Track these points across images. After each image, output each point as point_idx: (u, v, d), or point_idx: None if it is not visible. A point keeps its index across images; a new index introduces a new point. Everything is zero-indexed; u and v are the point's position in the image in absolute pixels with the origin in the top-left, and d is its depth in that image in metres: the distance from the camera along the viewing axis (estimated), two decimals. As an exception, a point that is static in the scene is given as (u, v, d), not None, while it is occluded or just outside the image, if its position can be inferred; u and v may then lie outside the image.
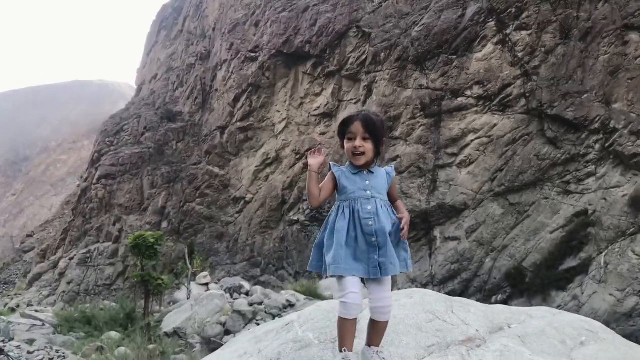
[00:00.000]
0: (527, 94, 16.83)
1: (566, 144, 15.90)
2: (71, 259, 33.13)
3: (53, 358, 10.45)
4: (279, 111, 26.57)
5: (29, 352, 10.91)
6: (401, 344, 2.33)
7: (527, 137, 16.76)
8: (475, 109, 18.03)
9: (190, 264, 20.04)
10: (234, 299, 14.08)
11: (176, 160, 31.82)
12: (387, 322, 2.35)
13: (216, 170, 29.21)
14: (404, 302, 2.87)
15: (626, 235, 14.43)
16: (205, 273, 20.72)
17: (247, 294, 15.33)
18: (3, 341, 12.78)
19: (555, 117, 16.09)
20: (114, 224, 31.79)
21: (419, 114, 19.35)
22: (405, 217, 2.37)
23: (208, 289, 18.72)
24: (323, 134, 23.87)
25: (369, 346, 2.35)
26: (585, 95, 15.66)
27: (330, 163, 2.61)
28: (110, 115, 44.64)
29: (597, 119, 15.32)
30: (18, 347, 11.76)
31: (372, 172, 2.52)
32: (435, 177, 18.53)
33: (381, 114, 20.70)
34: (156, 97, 39.87)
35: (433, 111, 19.01)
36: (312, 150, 2.51)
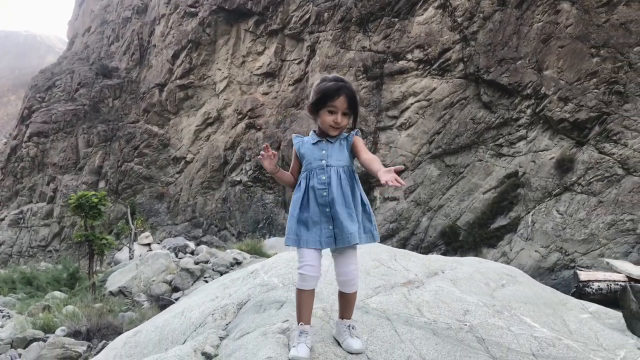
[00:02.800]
0: (465, 59, 17.48)
1: (500, 109, 16.74)
2: (2, 219, 31.90)
3: (-4, 318, 10.35)
4: (220, 69, 26.18)
5: (-30, 313, 10.74)
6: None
7: (464, 101, 17.49)
8: (415, 72, 18.54)
9: (132, 224, 19.86)
10: (179, 258, 14.22)
11: (113, 118, 30.86)
12: (354, 294, 2.31)
13: (155, 129, 28.61)
14: (363, 249, 3.23)
15: (552, 195, 15.56)
16: (147, 233, 20.62)
17: (192, 253, 15.50)
18: (-62, 303, 12.44)
19: (491, 82, 16.85)
20: (48, 184, 30.74)
21: (361, 76, 19.68)
22: (381, 170, 2.13)
23: (150, 249, 18.71)
24: (265, 94, 23.83)
25: (341, 319, 2.32)
26: (520, 62, 16.45)
27: (293, 135, 2.65)
28: (40, 69, 42.32)
29: (529, 85, 16.18)
30: (-45, 308, 11.51)
31: (331, 142, 2.44)
32: (376, 139, 19.06)
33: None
34: (90, 52, 38.11)
35: (375, 74, 19.39)
36: (261, 153, 2.45)
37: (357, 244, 2.33)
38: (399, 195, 18.39)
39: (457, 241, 16.91)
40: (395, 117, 18.77)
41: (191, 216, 25.67)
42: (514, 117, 16.50)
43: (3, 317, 10.36)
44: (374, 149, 18.87)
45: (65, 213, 27.36)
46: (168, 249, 15.62)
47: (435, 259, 3.65)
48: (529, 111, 16.27)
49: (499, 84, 16.63)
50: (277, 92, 23.23)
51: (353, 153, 2.44)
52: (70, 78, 34.49)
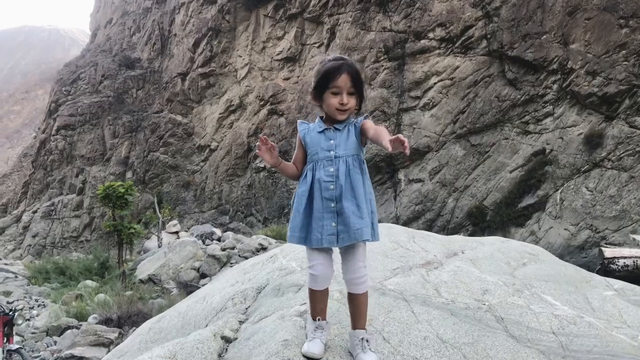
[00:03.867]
0: (488, 36, 17.15)
1: (525, 85, 16.42)
2: (34, 212, 32.74)
3: (33, 307, 10.72)
4: (240, 56, 26.20)
5: (8, 302, 11.12)
6: (371, 267, 2.67)
7: (488, 78, 17.20)
8: (437, 51, 18.28)
9: (160, 212, 20.19)
10: (207, 245, 14.44)
11: (137, 109, 31.24)
12: (365, 295, 2.11)
13: (179, 118, 28.88)
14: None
15: (580, 172, 15.26)
16: (174, 221, 20.97)
17: (219, 239, 15.71)
18: (-23, 294, 12.91)
19: (515, 58, 16.51)
20: (77, 176, 31.37)
21: (382, 57, 19.49)
22: (390, 140, 1.88)
23: (178, 237, 19.03)
24: (287, 79, 23.81)
25: (354, 329, 2.09)
26: (545, 36, 16.07)
27: (298, 121, 2.41)
28: (64, 63, 43.01)
29: (555, 60, 15.81)
30: (-5, 298, 11.94)
31: (339, 129, 2.21)
32: (399, 120, 18.91)
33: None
34: (112, 43, 38.52)
35: (396, 54, 19.17)
36: (257, 145, 2.22)
37: (368, 240, 2.15)
38: (424, 177, 18.26)
39: (484, 221, 16.75)
40: (419, 98, 18.57)
41: (217, 203, 25.95)
42: (540, 93, 16.18)
43: (39, 306, 10.71)
44: (397, 130, 18.72)
45: (95, 204, 27.94)
46: (195, 237, 15.87)
47: (455, 239, 3.62)
48: (555, 87, 15.92)
49: (524, 60, 16.29)
50: (298, 76, 23.18)
51: (362, 137, 2.21)
52: (94, 70, 34.97)
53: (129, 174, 29.27)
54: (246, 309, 2.58)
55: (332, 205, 2.14)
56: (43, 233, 31.38)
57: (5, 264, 18.33)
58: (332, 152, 2.20)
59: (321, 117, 2.30)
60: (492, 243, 3.59)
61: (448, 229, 17.21)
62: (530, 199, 16.15)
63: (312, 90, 2.25)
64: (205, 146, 27.36)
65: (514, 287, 2.72)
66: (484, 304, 2.48)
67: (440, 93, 18.04)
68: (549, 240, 15.11)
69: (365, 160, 2.27)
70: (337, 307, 2.28)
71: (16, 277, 14.66)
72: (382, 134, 2.01)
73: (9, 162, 75.65)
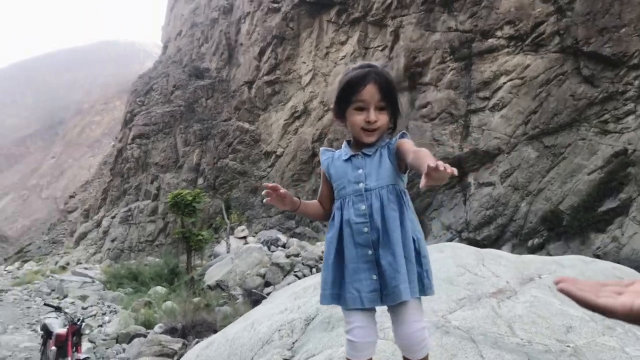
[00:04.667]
0: (561, 31, 16.19)
1: (603, 82, 15.36)
2: (113, 217, 34.30)
3: (105, 313, 11.08)
4: (304, 62, 26.29)
5: (83, 308, 11.58)
6: (433, 297, 2.40)
7: (561, 76, 16.24)
8: (506, 49, 17.49)
9: (228, 218, 20.53)
10: (272, 252, 14.45)
11: (207, 117, 32.08)
12: (426, 359, 1.75)
13: (246, 125, 29.37)
14: (436, 256, 2.91)
15: (667, 173, 14.09)
16: (242, 227, 21.25)
17: (283, 246, 15.71)
18: (58, 298, 13.57)
19: (592, 54, 15.49)
20: (152, 182, 32.59)
21: (448, 58, 18.89)
22: (429, 164, 1.39)
23: (246, 242, 19.24)
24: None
25: None
26: (623, 30, 14.96)
27: (320, 150, 1.98)
28: (138, 75, 44.97)
29: (635, 54, 14.69)
30: (72, 303, 12.48)
31: (368, 155, 1.79)
32: (467, 122, 18.24)
33: (408, 60, 20.25)
34: (182, 55, 39.83)
35: (463, 54, 18.52)
36: (266, 193, 1.81)
37: (407, 300, 1.69)
38: (494, 180, 17.49)
39: (560, 226, 15.78)
40: (487, 99, 17.83)
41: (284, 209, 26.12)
42: (619, 90, 15.05)
43: (110, 312, 11.04)
44: (465, 132, 18.07)
45: (168, 209, 28.90)
46: (261, 243, 15.95)
47: (530, 261, 3.22)
48: (636, 83, 14.78)
49: (601, 55, 15.22)
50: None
51: (399, 162, 1.75)
52: (166, 81, 36.28)
53: (200, 181, 30.07)
54: (293, 343, 2.37)
55: (369, 252, 1.70)
56: (121, 237, 32.78)
57: (85, 268, 19.24)
58: (361, 185, 1.77)
59: (348, 142, 1.88)
60: (574, 265, 3.18)
61: (521, 234, 16.39)
62: (612, 202, 15.03)
63: (333, 106, 1.84)
64: (271, 152, 27.65)
65: (604, 323, 2.34)
66: (568, 346, 2.12)
67: (510, 93, 17.22)
68: (634, 246, 13.99)
69: (406, 191, 1.81)
70: (392, 350, 2.02)
71: (93, 281, 15.29)
72: (422, 158, 1.53)
73: (91, 170, 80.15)
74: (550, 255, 14.98)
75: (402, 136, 1.80)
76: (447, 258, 2.94)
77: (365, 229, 1.73)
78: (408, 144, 1.73)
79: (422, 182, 1.39)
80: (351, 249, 1.74)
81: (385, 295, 1.70)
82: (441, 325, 2.22)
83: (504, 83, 17.41)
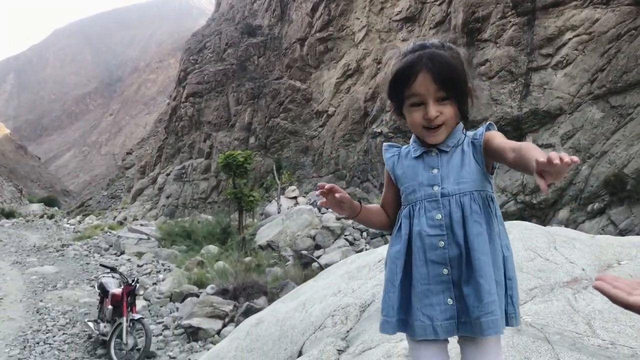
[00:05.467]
0: (638, -18, 14.95)
1: (682, 37, 14.17)
2: (168, 174, 35.21)
3: (160, 271, 11.41)
4: (358, 18, 25.56)
5: (138, 265, 11.96)
6: (500, 286, 2.19)
7: (634, 31, 15.08)
8: (574, 3, 16.34)
9: (279, 178, 20.61)
10: (322, 214, 14.42)
11: (259, 76, 32.00)
12: None
13: (298, 84, 29.12)
14: None
15: None
16: (293, 187, 21.31)
17: (334, 207, 15.63)
18: (116, 254, 14.08)
19: (671, 6, 14.26)
20: (205, 141, 33.09)
21: (510, 13, 17.86)
22: (538, 159, 1.12)
23: (297, 203, 19.33)
24: (405, 40, 22.82)
25: None
26: None
27: (384, 146, 1.65)
28: (192, 32, 45.16)
29: None
30: (129, 260, 12.92)
31: (445, 151, 1.47)
32: (528, 80, 17.35)
33: (467, 15, 19.30)
34: (235, 12, 39.59)
35: (526, 8, 17.45)
36: (317, 195, 1.54)
37: (498, 334, 1.38)
38: (555, 142, 16.68)
39: (623, 191, 14.94)
40: (550, 56, 16.83)
41: (334, 168, 26.01)
42: (701, 46, 13.85)
43: (164, 270, 11.34)
44: (525, 91, 17.23)
45: (219, 169, 29.38)
46: (311, 204, 15.93)
47: (608, 244, 2.89)
48: None
49: (683, 7, 13.99)
50: (418, 37, 22.09)
51: (489, 159, 1.44)
52: (219, 39, 36.26)
53: (251, 140, 30.29)
54: (347, 332, 2.22)
55: (445, 271, 1.39)
56: (175, 194, 33.69)
57: (141, 225, 19.88)
58: (436, 188, 1.44)
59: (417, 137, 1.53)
60: (657, 248, 2.85)
61: (581, 199, 15.68)
62: (682, 166, 14.09)
63: (389, 103, 1.52)
64: (322, 111, 27.39)
65: (698, 322, 2.07)
66: (659, 351, 1.88)
67: (576, 50, 16.16)
68: None
69: (494, 196, 1.48)
70: (457, 351, 1.82)
71: (148, 238, 15.76)
72: (528, 155, 1.21)
73: (147, 128, 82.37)
74: (611, 220, 14.32)
75: (488, 128, 1.47)
76: (514, 240, 2.68)
77: (441, 243, 1.40)
78: (499, 138, 1.40)
79: (542, 185, 1.12)
80: (421, 266, 1.42)
81: (463, 323, 1.39)
82: (511, 322, 2.01)
83: (569, 39, 16.35)
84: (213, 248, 12.32)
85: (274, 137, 29.55)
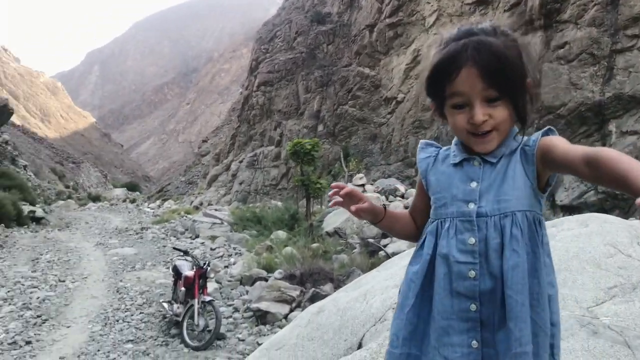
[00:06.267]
0: None
1: None
2: (241, 161, 36.11)
3: (231, 254, 11.75)
4: (429, 2, 24.91)
5: (211, 249, 12.38)
6: (575, 284, 2.02)
7: None
8: (667, -22, 15.14)
9: (346, 166, 20.59)
10: (390, 202, 14.28)
11: (327, 64, 32.02)
12: None
13: (367, 71, 28.88)
14: (578, 231, 2.47)
15: None
16: (360, 174, 21.22)
17: (402, 196, 15.44)
18: (191, 237, 14.63)
19: None
20: (275, 129, 33.62)
21: (594, -9, 16.80)
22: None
23: (364, 190, 19.23)
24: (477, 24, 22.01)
25: None
26: None
27: (421, 143, 1.42)
28: (263, 22, 45.81)
29: None
30: (203, 243, 13.39)
31: (491, 162, 1.21)
32: (611, 63, 16.28)
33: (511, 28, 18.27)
34: (305, 0, 39.72)
35: (611, -14, 16.35)
36: (332, 194, 1.33)
37: None
38: (641, 129, 15.62)
39: None
40: (636, 37, 15.71)
41: (403, 156, 25.66)
42: None
43: (236, 254, 11.65)
44: (608, 75, 16.19)
45: (288, 157, 29.76)
46: (379, 192, 15.81)
47: (700, 239, 2.65)
48: None
49: None
50: (491, 20, 21.16)
51: (546, 172, 1.19)
52: (289, 28, 36.56)
53: (320, 127, 30.43)
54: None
55: (473, 307, 1.16)
56: (248, 181, 34.50)
57: (215, 210, 20.52)
58: (472, 206, 1.19)
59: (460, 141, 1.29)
60: None
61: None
62: None
63: (429, 102, 1.29)
64: (391, 98, 27.03)
65: None
66: None
67: (669, 29, 15.00)
68: None
69: (542, 219, 1.21)
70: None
71: (222, 223, 16.25)
72: (619, 166, 0.93)
73: (221, 116, 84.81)
74: None
75: (547, 133, 1.20)
76: (592, 234, 2.49)
77: (472, 273, 1.15)
78: (562, 145, 1.13)
79: None
80: (445, 297, 1.18)
81: None
82: (587, 323, 1.85)
83: (661, 18, 15.20)
84: (282, 234, 12.53)
85: (342, 124, 29.54)
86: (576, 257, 2.16)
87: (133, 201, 41.19)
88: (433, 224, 1.25)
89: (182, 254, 7.48)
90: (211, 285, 8.05)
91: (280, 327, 6.37)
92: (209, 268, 6.68)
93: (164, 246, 13.39)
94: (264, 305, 6.99)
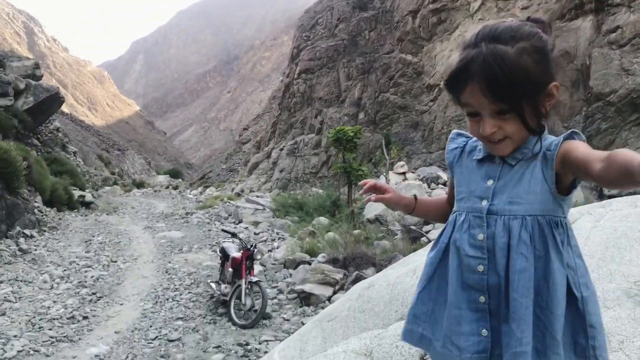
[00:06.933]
0: None
1: None
2: (281, 149, 36.44)
3: (274, 239, 12.00)
4: (475, -13, 24.47)
5: (255, 234, 12.66)
6: (623, 260, 2.08)
7: None
8: None
9: (387, 154, 20.57)
10: (432, 189, 14.24)
11: (369, 51, 31.87)
12: None
13: (409, 57, 28.60)
14: (627, 211, 2.51)
15: None
16: (402, 162, 21.16)
17: (444, 184, 15.36)
18: (234, 222, 14.97)
19: None
20: (316, 117, 33.74)
21: (648, -27, 16.16)
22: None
23: (405, 178, 19.20)
24: (525, 8, 21.50)
25: None
26: None
27: (452, 133, 1.47)
28: (304, 9, 45.82)
29: None
30: (246, 228, 13.70)
31: (511, 164, 1.22)
32: None
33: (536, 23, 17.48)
34: (347, -14, 39.52)
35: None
36: (362, 193, 1.46)
37: None
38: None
39: None
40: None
41: (445, 144, 25.40)
42: None
43: (279, 239, 11.90)
44: None
45: (330, 144, 29.86)
46: (420, 180, 15.78)
47: None
48: None
49: None
50: (539, 4, 20.72)
51: (567, 177, 1.17)
52: (330, 15, 36.49)
53: (361, 115, 30.38)
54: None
55: (482, 299, 1.21)
56: (288, 168, 34.82)
57: (257, 196, 20.87)
58: (484, 203, 1.23)
59: None
60: None
61: None
62: None
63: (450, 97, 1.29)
64: (434, 85, 26.72)
65: None
66: None
67: None
68: None
69: (567, 222, 1.22)
70: None
71: (264, 209, 16.54)
72: (622, 162, 0.94)
73: (262, 104, 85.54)
74: None
75: (571, 137, 1.17)
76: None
77: (481, 267, 1.20)
78: (583, 148, 1.11)
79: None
80: (456, 288, 1.24)
81: (497, 356, 1.20)
82: (634, 295, 1.92)
83: None
84: (323, 220, 12.70)
85: (383, 112, 29.41)
86: (624, 236, 2.21)
87: (175, 188, 42.22)
88: (453, 215, 1.31)
89: (230, 235, 7.73)
90: (256, 268, 8.30)
91: (324, 308, 6.55)
92: (255, 250, 6.89)
93: (209, 230, 13.77)
94: (307, 287, 7.18)
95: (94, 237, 12.73)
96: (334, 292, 7.06)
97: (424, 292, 1.32)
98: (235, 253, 7.01)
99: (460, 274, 1.23)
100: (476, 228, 1.22)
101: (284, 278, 8.49)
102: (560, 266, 1.16)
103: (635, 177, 0.84)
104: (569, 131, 1.18)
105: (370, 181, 1.45)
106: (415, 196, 1.49)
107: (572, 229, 1.23)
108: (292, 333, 5.61)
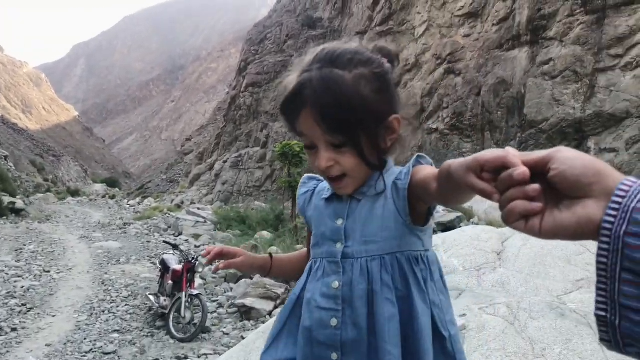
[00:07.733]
0: None
1: None
2: (225, 161, 36.14)
3: (215, 252, 11.85)
4: (419, 13, 25.36)
5: (195, 246, 12.49)
6: (548, 276, 2.28)
7: None
8: (649, 1, 15.67)
9: (332, 170, 20.83)
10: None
11: (317, 68, 32.32)
12: None
13: (355, 77, 29.20)
14: None
15: None
16: (345, 179, 21.49)
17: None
18: (174, 234, 14.70)
19: None
20: (261, 130, 33.74)
21: (578, 11, 17.29)
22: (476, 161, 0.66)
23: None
24: (467, 36, 22.49)
25: None
26: None
27: (303, 178, 1.32)
28: (254, 23, 45.97)
29: None
30: (186, 240, 13.49)
31: (358, 199, 1.08)
32: (593, 82, 16.77)
33: (532, 12, 18.84)
34: (297, 4, 40.01)
35: (596, 6, 16.84)
36: (200, 258, 1.31)
37: None
38: (619, 147, 16.08)
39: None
40: (620, 56, 16.20)
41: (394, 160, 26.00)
42: None
43: (220, 252, 11.76)
44: (590, 93, 16.67)
45: (276, 158, 29.89)
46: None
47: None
48: None
49: None
50: (480, 33, 21.73)
51: (419, 203, 1.03)
52: (280, 30, 36.79)
53: (306, 131, 30.64)
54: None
55: (334, 357, 1.04)
56: (231, 181, 34.55)
57: (198, 209, 20.57)
58: (339, 246, 1.07)
59: None
60: None
61: None
62: None
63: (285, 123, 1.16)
64: (379, 106, 27.37)
65: None
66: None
67: (650, 51, 15.51)
68: None
69: (429, 254, 1.07)
70: (503, 328, 1.95)
71: (205, 221, 16.34)
72: (442, 170, 0.82)
73: (206, 115, 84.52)
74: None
75: (417, 162, 1.06)
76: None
77: (334, 321, 1.03)
78: (426, 171, 0.99)
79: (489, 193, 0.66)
80: (304, 346, 1.07)
81: None
82: (556, 307, 2.10)
83: (643, 40, 15.70)
84: (266, 234, 12.69)
85: (329, 129, 29.80)
86: (550, 254, 2.41)
87: (113, 197, 40.93)
88: (308, 264, 1.14)
89: (171, 247, 7.63)
90: (197, 282, 8.21)
91: (264, 323, 6.55)
92: (197, 263, 6.83)
93: (148, 242, 13.47)
94: (249, 302, 7.16)
95: (25, 245, 12.18)
96: (275, 307, 7.08)
97: (268, 354, 1.13)
98: (176, 265, 6.92)
99: (309, 330, 1.06)
100: (331, 275, 1.06)
101: (225, 292, 8.42)
102: (425, 306, 1.02)
103: (453, 176, 0.71)
104: (415, 156, 1.08)
105: (215, 248, 1.31)
106: (270, 254, 1.37)
107: (436, 262, 1.09)
108: (232, 347, 5.60)
